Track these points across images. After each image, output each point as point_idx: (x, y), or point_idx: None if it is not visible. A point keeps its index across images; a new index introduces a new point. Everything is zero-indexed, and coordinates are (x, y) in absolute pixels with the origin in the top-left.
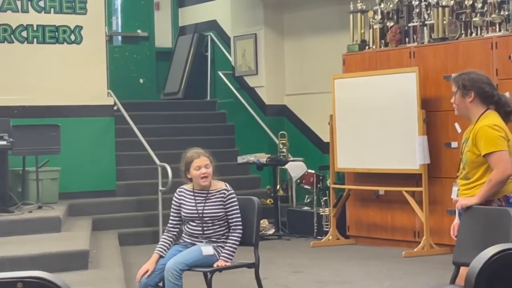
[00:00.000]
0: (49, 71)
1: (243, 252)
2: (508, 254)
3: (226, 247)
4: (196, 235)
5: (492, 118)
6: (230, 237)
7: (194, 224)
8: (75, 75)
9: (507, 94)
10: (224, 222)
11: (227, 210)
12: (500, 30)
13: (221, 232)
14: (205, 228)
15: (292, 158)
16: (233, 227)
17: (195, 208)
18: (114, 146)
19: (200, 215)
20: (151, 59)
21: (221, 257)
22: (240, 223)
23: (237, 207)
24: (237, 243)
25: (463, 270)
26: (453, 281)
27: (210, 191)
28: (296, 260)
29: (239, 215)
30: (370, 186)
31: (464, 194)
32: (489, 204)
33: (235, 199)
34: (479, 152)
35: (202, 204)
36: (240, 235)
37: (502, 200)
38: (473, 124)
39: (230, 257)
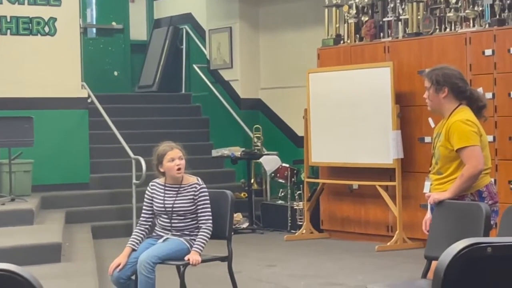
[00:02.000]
0: (23, 63)
1: (216, 246)
2: (477, 248)
3: (197, 240)
4: (168, 228)
5: (465, 113)
6: (201, 230)
7: (165, 217)
8: (49, 67)
9: (480, 89)
10: (196, 216)
11: (197, 204)
12: (474, 26)
13: (194, 226)
14: (173, 222)
15: (266, 152)
16: (203, 221)
17: (163, 203)
18: (87, 138)
19: (169, 210)
20: (126, 52)
21: (192, 249)
22: (210, 216)
23: (208, 201)
24: (207, 236)
25: (434, 264)
26: (424, 275)
27: (182, 185)
28: (269, 254)
29: (209, 209)
30: (344, 180)
31: (436, 189)
32: (462, 199)
33: (206, 193)
34: (452, 147)
35: (172, 199)
36: (211, 228)
37: (475, 195)
38: (446, 119)
39: (201, 248)
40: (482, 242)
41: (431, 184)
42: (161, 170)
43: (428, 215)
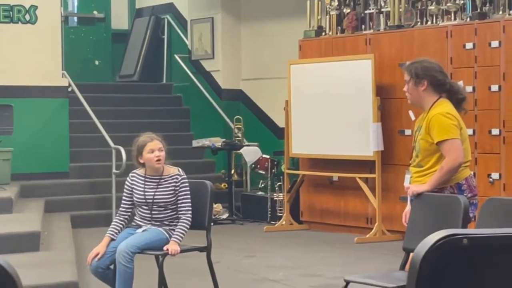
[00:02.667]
0: (3, 51)
1: (195, 236)
2: (453, 239)
3: (176, 230)
4: (148, 219)
5: (445, 106)
6: (180, 221)
7: (145, 208)
8: (29, 56)
9: (461, 82)
10: (177, 206)
11: (178, 194)
12: (455, 19)
13: (174, 216)
14: (154, 213)
15: (247, 143)
16: (183, 211)
17: (143, 194)
18: (67, 127)
19: (149, 201)
20: (107, 41)
21: (171, 239)
22: (190, 207)
23: (188, 192)
24: (187, 226)
25: (412, 257)
26: (403, 267)
27: (162, 177)
28: (249, 245)
29: (189, 200)
30: (324, 172)
31: (416, 182)
32: (441, 191)
33: (187, 184)
34: (432, 140)
35: (153, 190)
36: (190, 219)
37: (454, 188)
38: (426, 112)
39: (180, 238)
40: (458, 234)
41: (411, 177)
42: (141, 161)
43: (408, 207)
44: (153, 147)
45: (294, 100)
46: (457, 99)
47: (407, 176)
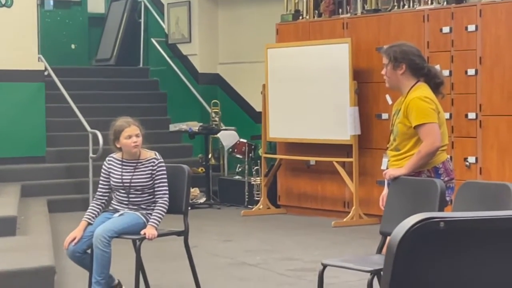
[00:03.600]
0: None
1: (173, 220)
2: (430, 222)
3: (153, 214)
4: (125, 203)
5: (423, 90)
6: (157, 205)
7: (122, 192)
8: (4, 39)
9: (437, 66)
10: (154, 190)
11: (155, 178)
12: (432, 3)
13: (151, 200)
14: (131, 197)
15: (224, 127)
16: (160, 195)
17: (121, 178)
18: (44, 111)
19: (127, 185)
20: (84, 25)
21: (148, 223)
22: (167, 191)
23: (165, 176)
24: (164, 210)
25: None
26: (380, 250)
27: (139, 160)
28: (226, 228)
29: (166, 183)
30: (301, 156)
31: (394, 165)
32: (419, 175)
33: (164, 168)
34: (410, 124)
35: (130, 174)
36: (167, 203)
37: (431, 171)
38: (404, 96)
39: (157, 222)
40: (434, 217)
41: (388, 161)
42: (118, 145)
43: (385, 191)
44: (131, 133)
45: (271, 84)
46: (435, 83)
47: (385, 159)
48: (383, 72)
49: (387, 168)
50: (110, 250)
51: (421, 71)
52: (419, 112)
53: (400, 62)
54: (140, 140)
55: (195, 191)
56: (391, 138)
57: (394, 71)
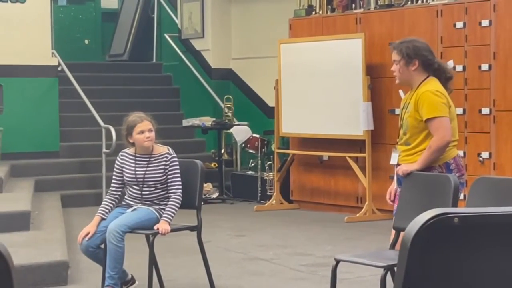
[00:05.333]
0: None
1: (186, 215)
2: (444, 218)
3: (166, 209)
4: (138, 198)
5: (434, 84)
6: (170, 200)
7: (136, 187)
8: (19, 35)
9: (450, 62)
10: (167, 185)
11: (168, 173)
12: None
13: (164, 195)
14: (144, 192)
15: (237, 122)
16: (173, 190)
17: (134, 173)
18: (57, 106)
19: (140, 180)
20: (97, 20)
21: (162, 218)
22: (180, 186)
23: (178, 171)
24: (177, 205)
25: (403, 236)
26: (393, 246)
27: (152, 155)
28: (239, 223)
29: (179, 178)
30: (314, 151)
31: (405, 160)
32: (430, 170)
33: (177, 163)
34: (421, 117)
35: (144, 169)
36: (180, 198)
37: (442, 167)
38: (414, 90)
39: (171, 217)
40: (449, 212)
41: (399, 155)
42: (131, 141)
43: (393, 185)
44: (143, 128)
45: (284, 80)
46: (445, 78)
47: (394, 154)
48: (393, 68)
49: (397, 163)
50: (123, 245)
51: (432, 67)
52: (430, 105)
53: (413, 58)
54: (153, 135)
55: (208, 186)
56: (401, 132)
57: (406, 68)
